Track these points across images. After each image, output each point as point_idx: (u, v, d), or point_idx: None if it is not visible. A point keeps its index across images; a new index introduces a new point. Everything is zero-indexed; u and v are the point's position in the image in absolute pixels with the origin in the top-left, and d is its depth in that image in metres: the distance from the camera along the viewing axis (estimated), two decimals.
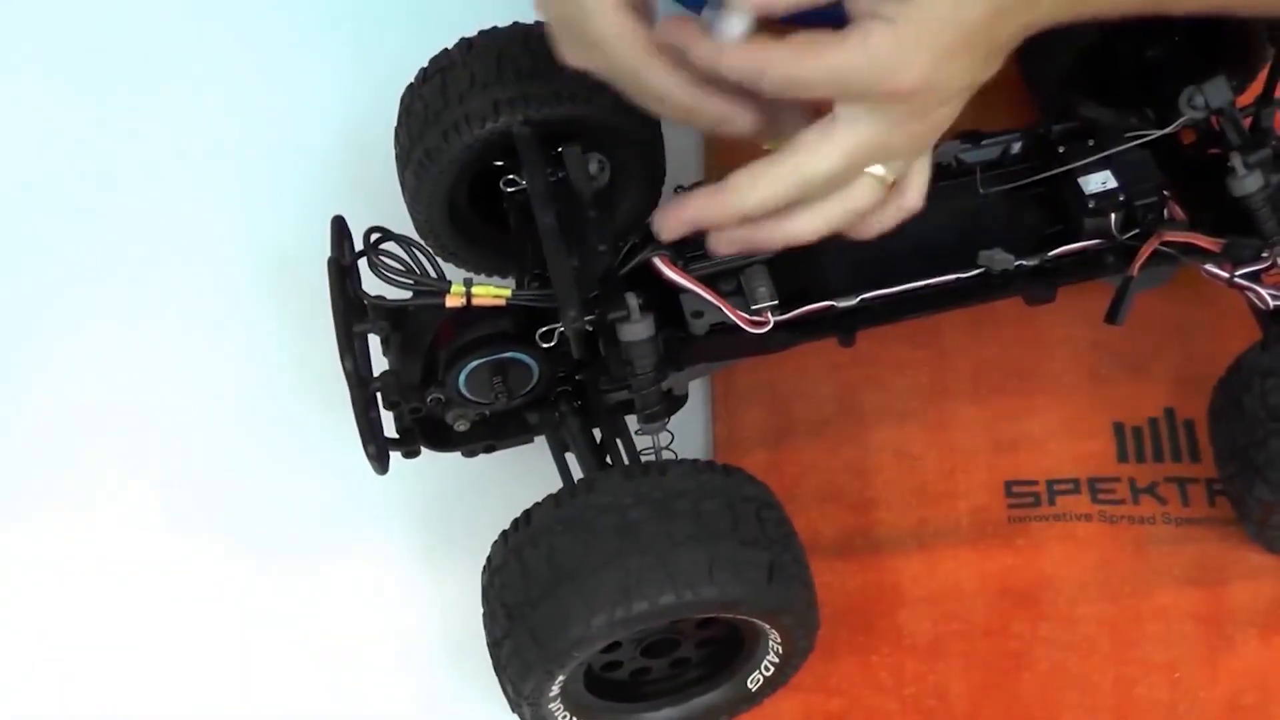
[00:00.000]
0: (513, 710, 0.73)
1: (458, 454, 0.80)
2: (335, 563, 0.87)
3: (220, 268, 0.97)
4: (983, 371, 0.89)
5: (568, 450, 0.78)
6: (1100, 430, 0.87)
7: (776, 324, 0.74)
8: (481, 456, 0.80)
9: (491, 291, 0.72)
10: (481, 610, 0.72)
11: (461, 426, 0.77)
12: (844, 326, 0.77)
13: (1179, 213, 0.77)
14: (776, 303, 0.75)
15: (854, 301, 0.76)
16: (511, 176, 0.80)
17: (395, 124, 0.85)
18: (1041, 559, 0.83)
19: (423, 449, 0.78)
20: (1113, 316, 0.77)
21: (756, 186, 0.64)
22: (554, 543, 0.68)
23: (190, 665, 0.84)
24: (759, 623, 0.71)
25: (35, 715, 0.84)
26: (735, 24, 0.61)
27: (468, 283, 0.72)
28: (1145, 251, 0.76)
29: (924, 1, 0.59)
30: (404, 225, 0.82)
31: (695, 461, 0.71)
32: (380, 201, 0.84)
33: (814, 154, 0.63)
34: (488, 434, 0.79)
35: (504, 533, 0.71)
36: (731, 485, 0.70)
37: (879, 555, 0.84)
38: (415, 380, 0.75)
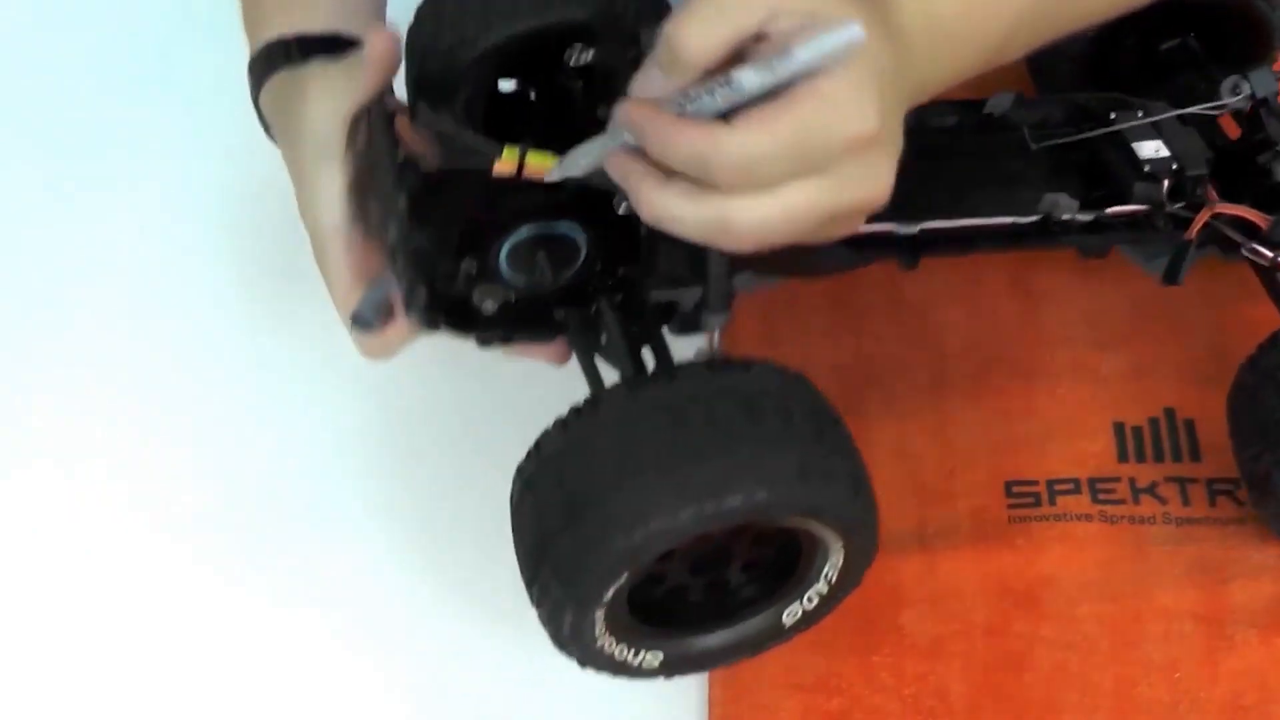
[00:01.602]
0: (553, 635, 0.69)
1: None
2: (335, 560, 0.86)
3: (216, 261, 0.97)
4: (983, 372, 0.89)
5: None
6: (1100, 430, 0.87)
7: (839, 241, 0.69)
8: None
9: (548, 161, 0.64)
10: (526, 502, 0.67)
11: (489, 308, 0.72)
12: (907, 248, 0.77)
13: (1214, 196, 0.77)
14: None
15: (915, 230, 0.76)
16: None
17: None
18: (1041, 559, 0.83)
19: (442, 324, 0.72)
20: (1173, 277, 0.78)
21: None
22: (634, 432, 0.64)
23: (186, 663, 0.84)
24: (829, 537, 0.69)
25: (26, 714, 0.84)
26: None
27: (523, 149, 0.65)
28: (1201, 219, 0.76)
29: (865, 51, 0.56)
30: None
31: (772, 363, 0.68)
32: None
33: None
34: (510, 323, 0.74)
35: (561, 420, 0.67)
36: (807, 392, 0.68)
37: (879, 555, 0.83)
38: (451, 249, 0.70)
